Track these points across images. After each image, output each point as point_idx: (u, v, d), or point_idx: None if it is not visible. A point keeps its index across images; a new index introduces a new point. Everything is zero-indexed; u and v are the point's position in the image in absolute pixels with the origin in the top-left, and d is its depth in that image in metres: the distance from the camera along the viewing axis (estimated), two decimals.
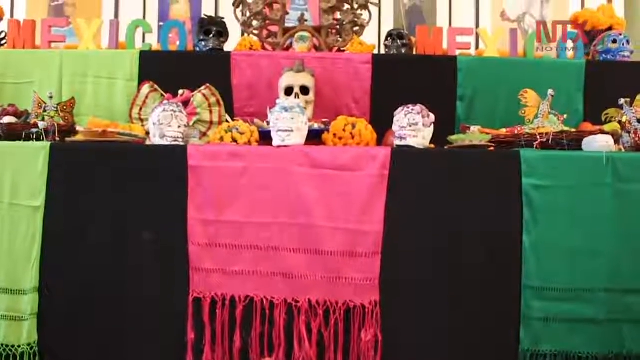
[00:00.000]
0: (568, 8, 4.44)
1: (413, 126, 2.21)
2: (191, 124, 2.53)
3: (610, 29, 3.12)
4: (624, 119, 2.35)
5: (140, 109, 2.70)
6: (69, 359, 2.15)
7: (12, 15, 4.31)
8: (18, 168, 2.16)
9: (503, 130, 2.45)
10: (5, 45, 3.01)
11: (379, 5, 3.43)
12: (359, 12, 3.07)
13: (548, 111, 2.38)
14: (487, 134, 2.39)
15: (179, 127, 2.28)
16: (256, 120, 2.60)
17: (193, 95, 2.62)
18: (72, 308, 2.14)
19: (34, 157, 2.16)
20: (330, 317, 2.10)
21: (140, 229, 2.13)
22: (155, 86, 2.72)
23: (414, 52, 3.04)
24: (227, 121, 2.59)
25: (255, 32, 3.05)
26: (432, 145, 2.32)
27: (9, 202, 2.15)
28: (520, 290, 2.09)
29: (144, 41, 3.39)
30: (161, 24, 4.01)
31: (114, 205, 2.15)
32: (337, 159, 2.14)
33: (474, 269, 2.10)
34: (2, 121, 2.40)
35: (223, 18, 3.07)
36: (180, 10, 4.57)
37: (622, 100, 2.35)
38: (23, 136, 2.30)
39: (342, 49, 3.06)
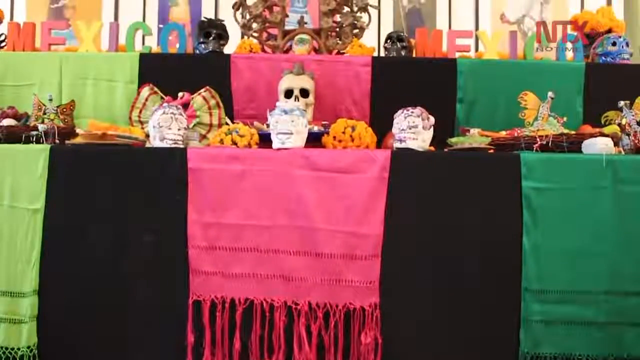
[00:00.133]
0: (567, 10, 4.45)
1: (413, 129, 2.21)
2: (191, 126, 2.53)
3: (609, 31, 3.12)
4: (623, 122, 2.35)
5: (140, 111, 2.70)
6: None
7: (12, 18, 4.32)
8: (18, 171, 2.16)
9: (503, 133, 2.45)
10: (5, 47, 3.01)
11: (378, 7, 3.44)
12: (358, 14, 3.08)
13: (548, 114, 2.38)
14: (487, 136, 2.39)
15: (179, 129, 2.28)
16: (256, 123, 2.60)
17: (193, 98, 2.62)
18: (72, 311, 2.14)
19: (33, 159, 2.16)
20: (330, 320, 2.10)
21: (140, 232, 2.13)
22: (155, 89, 2.72)
23: (414, 55, 3.04)
24: (227, 124, 2.59)
25: (255, 34, 3.06)
26: (432, 148, 2.32)
27: (8, 205, 2.15)
28: (521, 293, 2.09)
29: (143, 44, 3.39)
30: (161, 26, 4.01)
31: (114, 208, 2.15)
32: (336, 162, 2.14)
33: (474, 272, 2.10)
34: (1, 124, 2.41)
35: (223, 20, 3.07)
36: (180, 13, 4.58)
37: (621, 103, 2.36)
38: (23, 139, 2.30)
39: (341, 51, 3.07)
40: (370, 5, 3.10)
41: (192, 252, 2.13)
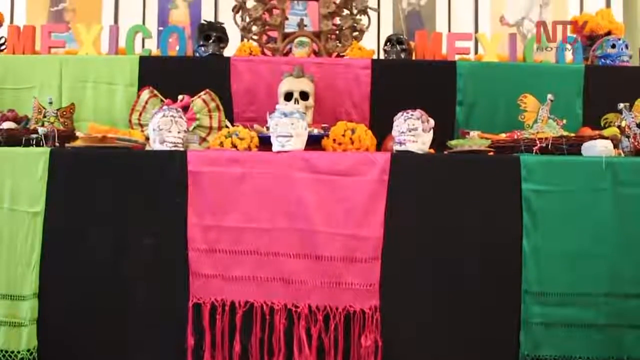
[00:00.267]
0: (567, 12, 4.45)
1: (413, 131, 2.21)
2: (191, 129, 2.53)
3: (609, 33, 3.13)
4: (623, 124, 2.35)
5: (140, 114, 2.70)
6: None
7: (12, 21, 4.31)
8: (18, 174, 2.16)
9: (502, 135, 2.46)
10: (5, 50, 3.01)
11: (378, 10, 3.45)
12: (358, 17, 3.08)
13: (547, 116, 2.39)
14: (487, 139, 2.39)
15: (179, 132, 2.28)
16: (256, 126, 2.61)
17: (193, 101, 2.63)
18: (72, 314, 2.13)
19: (33, 162, 2.16)
20: (330, 323, 2.09)
21: (140, 235, 2.13)
22: (155, 91, 2.72)
23: (413, 57, 3.04)
24: (226, 126, 2.59)
25: (255, 37, 3.06)
26: (432, 151, 2.33)
27: (8, 208, 2.15)
28: (521, 295, 2.09)
29: (143, 46, 3.40)
30: (161, 29, 4.01)
31: (114, 210, 2.15)
32: (336, 165, 2.14)
33: (474, 274, 2.10)
34: (1, 127, 2.40)
35: (222, 23, 3.08)
36: (179, 16, 4.58)
37: (621, 105, 2.36)
38: (23, 142, 2.30)
39: (341, 54, 3.07)
40: (370, 8, 3.10)
41: (192, 255, 2.13)
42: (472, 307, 2.10)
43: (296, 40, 3.01)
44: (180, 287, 2.12)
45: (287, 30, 3.08)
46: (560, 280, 2.08)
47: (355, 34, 3.08)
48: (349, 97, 2.84)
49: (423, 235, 2.12)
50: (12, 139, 2.32)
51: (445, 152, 2.36)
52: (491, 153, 2.31)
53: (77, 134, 2.44)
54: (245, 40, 3.14)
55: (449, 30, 4.31)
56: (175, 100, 2.61)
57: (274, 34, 3.08)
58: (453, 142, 2.40)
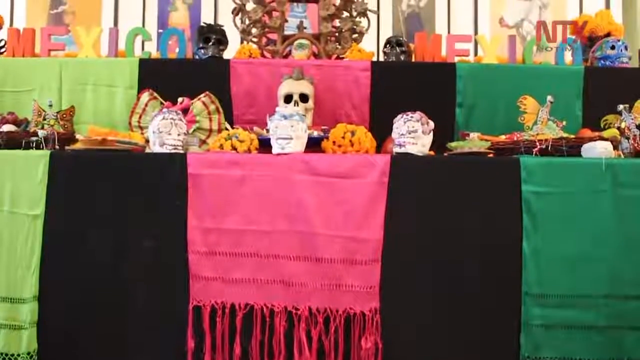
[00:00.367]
0: (566, 14, 4.45)
1: (412, 133, 2.21)
2: (191, 131, 2.53)
3: (608, 35, 3.13)
4: (622, 125, 2.35)
5: (140, 116, 2.70)
6: None
7: (11, 24, 4.33)
8: (18, 176, 2.16)
9: (502, 137, 2.45)
10: (5, 53, 3.02)
11: (377, 12, 3.45)
12: (357, 19, 3.08)
13: (547, 117, 2.39)
14: (487, 140, 2.40)
15: (179, 135, 2.28)
16: (255, 128, 2.61)
17: (192, 103, 2.63)
18: (72, 317, 2.13)
19: (33, 165, 2.16)
20: (330, 325, 2.09)
21: (140, 237, 2.13)
22: (155, 94, 2.72)
23: (413, 59, 3.04)
24: (226, 129, 2.59)
25: (255, 39, 3.06)
26: (432, 153, 2.33)
27: (8, 211, 2.15)
28: (521, 297, 2.09)
29: (143, 49, 3.40)
30: (160, 31, 4.02)
31: (114, 213, 2.15)
32: (336, 167, 2.14)
33: (474, 276, 2.10)
34: (1, 129, 2.41)
35: (222, 26, 3.08)
36: (179, 18, 4.59)
37: (621, 107, 2.36)
38: (23, 144, 2.30)
39: (341, 56, 3.07)
40: (370, 10, 3.10)
41: (192, 258, 2.13)
42: (473, 309, 2.10)
43: (296, 43, 3.01)
44: (180, 289, 2.12)
45: (286, 32, 3.08)
46: (560, 282, 2.08)
47: (355, 36, 3.09)
48: (348, 99, 2.84)
49: (423, 237, 2.12)
50: (12, 142, 2.32)
51: (445, 154, 2.36)
52: (491, 155, 2.32)
53: (77, 136, 2.44)
54: (245, 42, 3.14)
55: (449, 32, 4.32)
56: (175, 102, 2.61)
57: (273, 36, 3.09)
58: (453, 144, 2.40)
